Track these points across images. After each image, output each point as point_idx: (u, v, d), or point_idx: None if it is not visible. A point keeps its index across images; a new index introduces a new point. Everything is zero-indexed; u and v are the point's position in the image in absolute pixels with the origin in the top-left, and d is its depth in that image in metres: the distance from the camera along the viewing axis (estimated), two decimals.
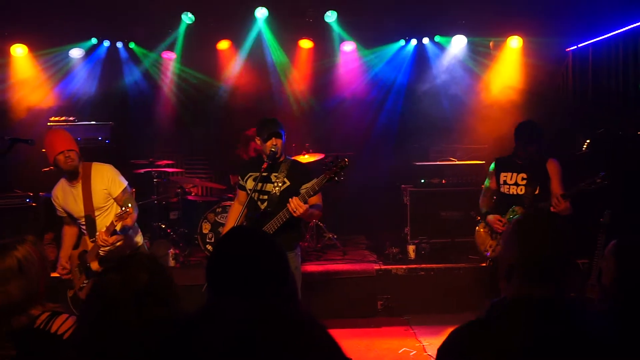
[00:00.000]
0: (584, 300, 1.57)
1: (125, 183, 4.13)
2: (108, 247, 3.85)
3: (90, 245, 4.02)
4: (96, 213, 4.05)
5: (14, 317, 2.05)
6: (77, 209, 4.05)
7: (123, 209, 3.77)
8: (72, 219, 4.19)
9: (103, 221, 4.04)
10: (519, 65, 7.50)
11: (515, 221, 1.75)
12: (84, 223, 4.08)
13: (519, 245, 1.66)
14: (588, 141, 6.27)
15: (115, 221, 3.80)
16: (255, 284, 1.58)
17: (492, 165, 4.79)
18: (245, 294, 1.56)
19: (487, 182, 4.83)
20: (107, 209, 4.09)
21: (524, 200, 4.45)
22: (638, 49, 5.91)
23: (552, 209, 4.15)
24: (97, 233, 3.90)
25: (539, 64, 7.31)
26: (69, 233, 4.27)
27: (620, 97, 6.17)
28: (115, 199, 4.09)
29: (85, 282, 4.03)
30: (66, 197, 4.09)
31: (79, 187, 4.04)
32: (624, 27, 6.15)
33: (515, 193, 4.53)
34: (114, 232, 3.82)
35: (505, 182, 4.60)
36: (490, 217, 4.60)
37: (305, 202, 3.70)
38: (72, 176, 4.04)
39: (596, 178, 4.09)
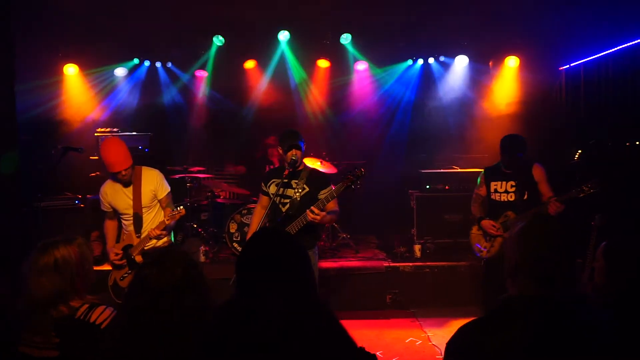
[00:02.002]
0: (583, 297, 1.57)
1: (169, 188, 4.22)
2: (160, 240, 4.00)
3: (136, 240, 4.07)
4: (143, 211, 4.11)
5: (52, 310, 2.06)
6: (126, 205, 4.09)
7: (178, 208, 3.95)
8: (115, 214, 4.23)
9: (148, 218, 4.11)
10: (516, 83, 7.42)
11: (520, 226, 1.74)
12: (129, 219, 4.11)
13: (522, 247, 1.66)
14: (580, 151, 6.17)
15: (167, 220, 3.94)
16: (280, 282, 1.54)
17: (482, 175, 4.73)
18: (272, 291, 1.53)
19: (477, 190, 4.75)
20: (151, 208, 4.15)
21: (515, 206, 4.41)
22: (626, 68, 5.83)
23: (551, 212, 4.10)
24: (150, 230, 3.99)
25: (534, 81, 7.23)
26: (111, 226, 4.29)
27: (610, 111, 6.07)
28: (159, 201, 4.17)
29: (128, 272, 4.07)
30: (116, 194, 4.12)
31: (130, 187, 4.09)
32: (613, 48, 6.07)
33: (506, 200, 4.49)
34: (165, 228, 4.00)
35: (495, 191, 4.56)
36: (485, 222, 4.53)
37: (322, 210, 3.73)
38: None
39: (584, 186, 4.07)
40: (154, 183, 4.12)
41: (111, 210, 4.20)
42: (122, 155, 3.98)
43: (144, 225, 4.08)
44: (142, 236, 4.05)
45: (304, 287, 1.59)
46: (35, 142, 6.53)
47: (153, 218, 4.13)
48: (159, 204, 4.18)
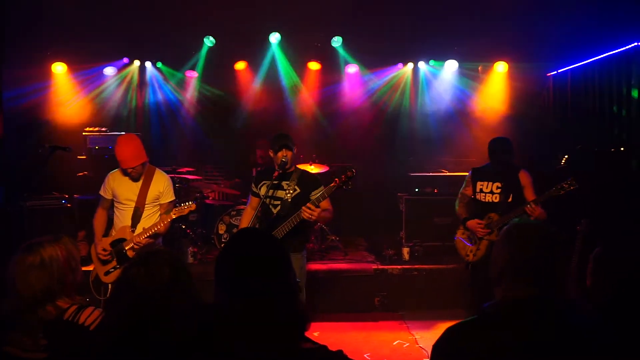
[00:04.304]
0: (571, 301, 1.57)
1: (174, 197, 4.27)
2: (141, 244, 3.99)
3: (129, 234, 4.06)
4: (145, 208, 4.13)
5: (40, 310, 2.04)
6: (128, 196, 4.12)
7: (188, 202, 4.00)
8: (109, 206, 4.24)
9: (146, 213, 4.13)
10: (505, 88, 7.51)
11: (505, 229, 1.73)
12: (126, 209, 4.11)
13: (509, 251, 1.65)
14: (566, 157, 6.24)
15: (174, 214, 3.99)
16: (258, 284, 1.51)
17: (469, 174, 4.73)
18: (249, 293, 1.51)
19: (463, 190, 4.74)
20: (151, 209, 4.17)
21: (499, 208, 4.41)
22: (612, 75, 5.91)
23: (528, 214, 4.12)
24: (135, 235, 4.02)
25: (523, 87, 7.32)
26: (102, 217, 4.26)
27: (596, 117, 6.16)
28: (161, 205, 4.20)
29: (116, 266, 4.05)
30: (122, 182, 4.14)
31: (139, 182, 4.13)
32: (599, 55, 6.16)
33: (490, 201, 4.48)
34: (155, 235, 4.02)
35: (481, 190, 4.55)
36: (471, 222, 4.52)
37: (317, 207, 3.72)
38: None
39: (564, 183, 4.07)
40: (162, 186, 4.18)
41: (109, 198, 4.21)
42: (133, 153, 4.03)
43: (141, 222, 4.10)
44: (137, 232, 4.05)
45: (288, 288, 1.57)
46: (22, 140, 6.46)
47: (149, 217, 4.15)
48: (158, 207, 4.21)
